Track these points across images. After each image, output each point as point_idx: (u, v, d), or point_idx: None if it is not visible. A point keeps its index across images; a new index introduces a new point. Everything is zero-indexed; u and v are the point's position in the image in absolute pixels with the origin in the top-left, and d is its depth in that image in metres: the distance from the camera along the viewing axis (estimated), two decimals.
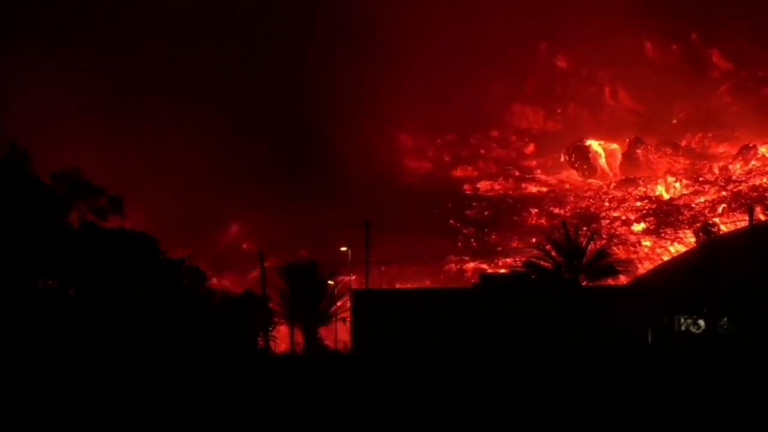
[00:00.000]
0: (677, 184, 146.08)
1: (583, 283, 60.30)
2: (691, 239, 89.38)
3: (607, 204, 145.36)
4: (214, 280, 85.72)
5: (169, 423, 48.33)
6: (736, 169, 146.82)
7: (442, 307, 62.70)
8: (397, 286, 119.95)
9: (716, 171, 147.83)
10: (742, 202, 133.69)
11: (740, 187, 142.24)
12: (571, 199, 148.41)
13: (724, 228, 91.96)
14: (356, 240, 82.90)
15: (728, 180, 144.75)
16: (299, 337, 73.54)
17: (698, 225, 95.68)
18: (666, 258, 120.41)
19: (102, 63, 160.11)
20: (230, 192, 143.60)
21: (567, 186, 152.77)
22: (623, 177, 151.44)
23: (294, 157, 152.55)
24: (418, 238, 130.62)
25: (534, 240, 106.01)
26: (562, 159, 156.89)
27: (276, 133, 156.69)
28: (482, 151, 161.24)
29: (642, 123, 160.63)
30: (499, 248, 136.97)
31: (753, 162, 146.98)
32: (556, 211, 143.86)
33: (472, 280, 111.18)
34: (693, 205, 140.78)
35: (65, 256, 53.41)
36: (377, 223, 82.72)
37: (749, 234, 64.92)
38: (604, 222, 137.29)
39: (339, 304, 74.62)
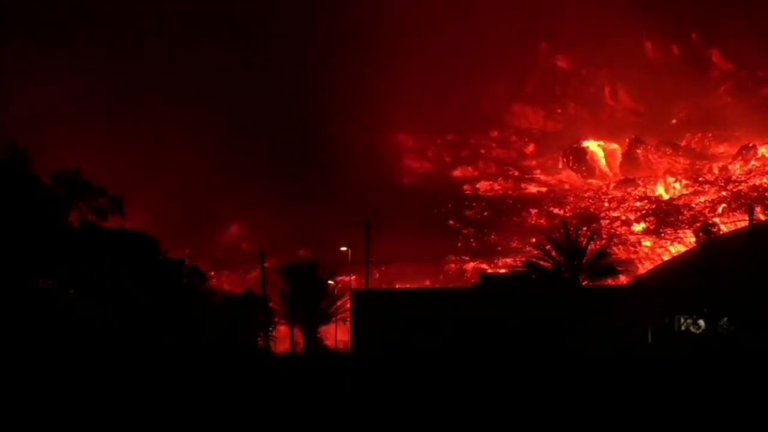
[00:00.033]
0: (677, 184, 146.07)
1: (583, 283, 60.19)
2: (691, 239, 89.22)
3: (606, 204, 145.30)
4: (214, 281, 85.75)
5: (169, 423, 48.37)
6: (736, 169, 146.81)
7: (442, 307, 62.64)
8: (397, 286, 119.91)
9: (716, 171, 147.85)
10: (742, 202, 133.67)
11: (740, 187, 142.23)
12: (571, 199, 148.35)
13: (724, 228, 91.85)
14: (356, 240, 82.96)
15: (728, 180, 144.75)
16: (299, 337, 73.51)
17: (698, 225, 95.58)
18: (666, 258, 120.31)
19: (102, 63, 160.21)
20: (230, 192, 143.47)
21: (567, 186, 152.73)
22: (623, 177, 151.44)
23: (294, 157, 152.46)
24: (418, 238, 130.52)
25: (534, 240, 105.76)
26: (560, 165, 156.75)
27: (276, 133, 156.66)
28: (482, 151, 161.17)
29: (642, 123, 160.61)
30: (499, 248, 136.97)
31: (753, 162, 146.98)
32: (556, 211, 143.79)
33: (472, 280, 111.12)
34: (693, 205, 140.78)
35: (65, 256, 53.35)
36: (377, 223, 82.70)
37: (749, 234, 64.85)
38: (604, 222, 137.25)
39: (339, 304, 74.58)
